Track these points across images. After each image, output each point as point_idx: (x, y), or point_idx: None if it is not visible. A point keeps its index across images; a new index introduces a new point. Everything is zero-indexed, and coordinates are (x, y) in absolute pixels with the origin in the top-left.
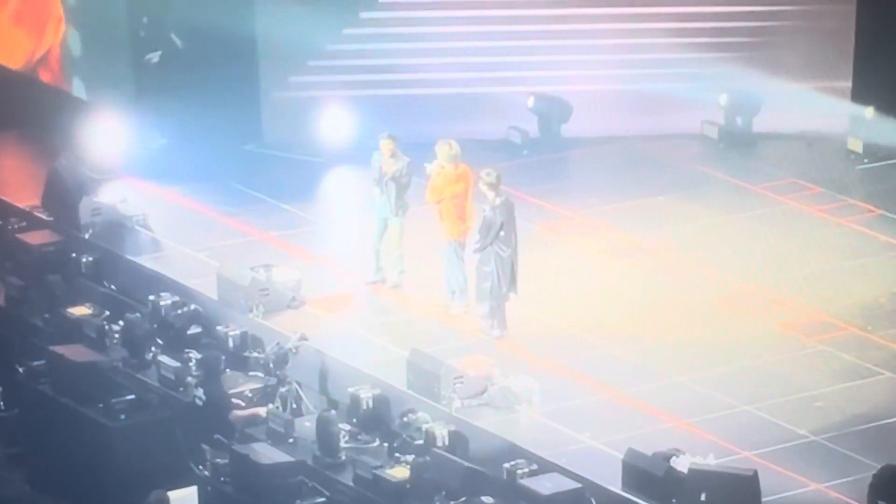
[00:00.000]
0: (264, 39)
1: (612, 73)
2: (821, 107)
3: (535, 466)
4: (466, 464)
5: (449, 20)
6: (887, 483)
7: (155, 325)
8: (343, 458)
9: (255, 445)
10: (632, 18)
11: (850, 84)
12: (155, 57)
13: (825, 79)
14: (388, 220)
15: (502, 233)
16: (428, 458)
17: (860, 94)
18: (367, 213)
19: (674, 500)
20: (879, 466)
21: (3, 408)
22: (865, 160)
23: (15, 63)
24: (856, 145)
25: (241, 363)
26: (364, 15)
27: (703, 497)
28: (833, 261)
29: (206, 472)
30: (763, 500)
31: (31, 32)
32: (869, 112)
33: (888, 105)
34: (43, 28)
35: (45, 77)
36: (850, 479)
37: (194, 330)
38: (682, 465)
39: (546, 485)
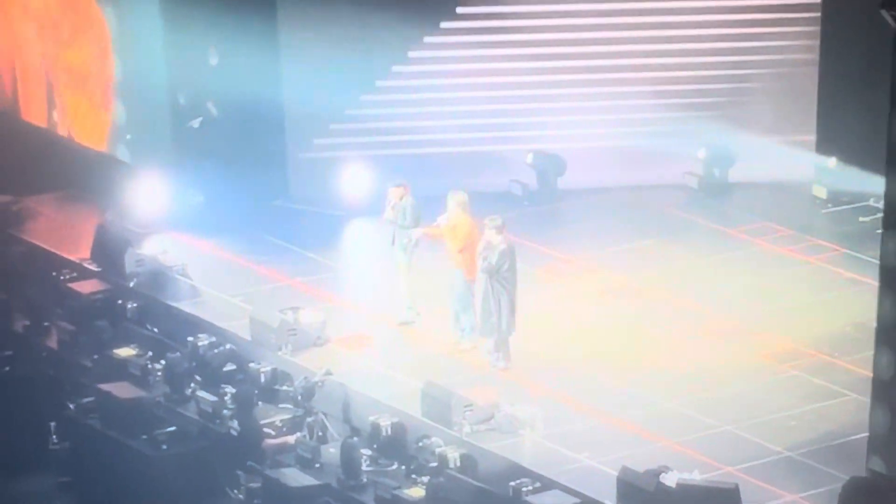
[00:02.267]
0: (291, 105)
1: (602, 131)
2: (788, 158)
3: (538, 484)
4: (476, 483)
5: (456, 87)
6: (854, 493)
7: (194, 364)
8: (365, 480)
9: (285, 470)
10: (619, 82)
11: (814, 137)
12: (196, 123)
13: (792, 133)
14: (399, 260)
15: (508, 273)
16: (442, 478)
17: (823, 146)
18: (383, 259)
19: None
20: (847, 478)
21: (55, 441)
22: (829, 205)
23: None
24: (820, 192)
25: (272, 396)
26: (380, 83)
27: None
28: (802, 295)
29: (241, 496)
30: None
31: (103, 108)
32: (832, 162)
33: (849, 156)
34: (110, 103)
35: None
36: (821, 489)
37: (229, 367)
38: (670, 480)
39: (548, 501)
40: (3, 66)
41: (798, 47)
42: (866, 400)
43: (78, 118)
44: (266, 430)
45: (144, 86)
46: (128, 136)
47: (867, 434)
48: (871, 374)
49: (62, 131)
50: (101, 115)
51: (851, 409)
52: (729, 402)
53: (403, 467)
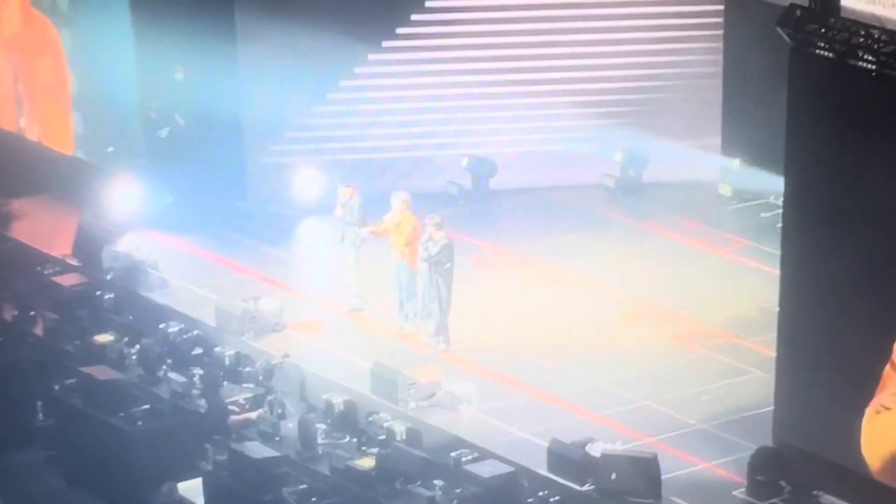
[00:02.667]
0: (249, 115)
1: (529, 137)
2: (696, 160)
3: (476, 454)
4: (421, 454)
5: (398, 98)
6: (762, 461)
7: (165, 348)
8: (320, 452)
9: (249, 444)
10: (544, 94)
11: (719, 141)
12: (164, 132)
13: (699, 137)
14: (348, 253)
15: (447, 265)
16: (389, 450)
17: (728, 148)
18: (334, 253)
19: (590, 480)
20: (755, 447)
21: (42, 418)
22: (734, 202)
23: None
24: (726, 190)
25: (235, 377)
26: (329, 95)
27: (613, 476)
28: (711, 283)
29: (209, 467)
30: (663, 477)
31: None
32: (736, 164)
33: (751, 157)
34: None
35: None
36: (732, 458)
37: (197, 351)
38: (595, 450)
39: (485, 469)
40: None
41: (703, 60)
42: (771, 377)
43: (48, 127)
44: (231, 407)
45: (117, 99)
46: (110, 149)
47: (772, 407)
48: (774, 354)
49: (32, 137)
50: (69, 123)
51: (757, 385)
52: (647, 380)
53: (355, 440)
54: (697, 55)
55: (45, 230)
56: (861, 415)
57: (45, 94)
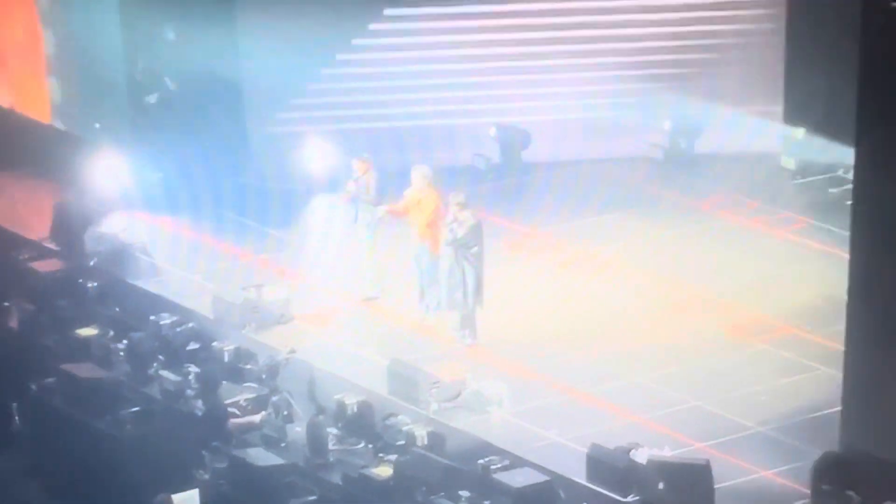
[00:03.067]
0: (250, 80)
1: (566, 103)
2: (756, 129)
3: (507, 462)
4: (444, 461)
5: (418, 59)
6: (828, 468)
7: (156, 343)
8: (331, 459)
9: (251, 450)
10: (584, 54)
11: (781, 108)
12: (152, 98)
13: (759, 103)
14: (363, 234)
15: (475, 248)
16: (409, 457)
17: (791, 116)
18: (347, 235)
19: (634, 490)
20: (821, 453)
21: (18, 423)
22: (798, 176)
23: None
24: (789, 163)
25: (236, 375)
26: (340, 56)
27: (660, 486)
28: (772, 268)
29: (207, 476)
30: (715, 486)
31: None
32: (800, 133)
33: (817, 126)
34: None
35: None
36: (794, 465)
37: (192, 346)
38: (641, 457)
39: (517, 479)
40: None
41: (763, 15)
42: (838, 374)
43: (21, 93)
44: (231, 409)
45: (98, 60)
46: (96, 125)
47: (839, 408)
48: (842, 348)
49: (3, 104)
50: (44, 88)
51: (823, 384)
52: (698, 377)
53: (370, 446)
54: (757, 9)
55: (19, 210)
56: None
57: (15, 57)
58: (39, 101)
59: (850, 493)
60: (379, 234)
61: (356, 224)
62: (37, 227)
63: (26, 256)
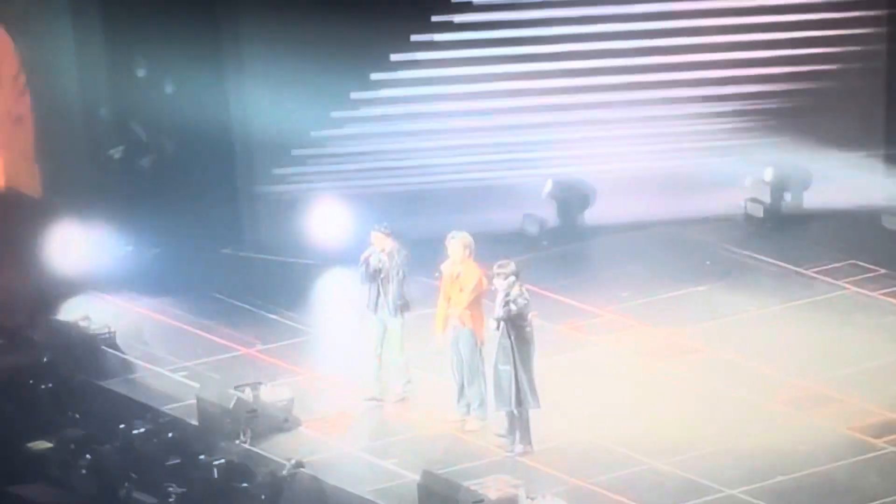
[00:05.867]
0: (241, 127)
1: (638, 150)
2: (879, 179)
3: None
4: None
5: (450, 96)
6: None
7: (128, 458)
8: None
9: None
10: (656, 86)
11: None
12: (117, 151)
13: (883, 146)
14: (387, 323)
15: (528, 330)
16: None
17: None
18: (365, 319)
19: None
20: None
21: None
22: None
23: None
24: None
25: (229, 496)
26: (355, 95)
27: None
28: None
29: None
30: None
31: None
32: None
33: None
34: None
35: None
36: None
37: (173, 461)
38: None
39: None
40: None
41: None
42: None
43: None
44: None
45: (55, 107)
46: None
47: None
48: None
49: None
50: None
51: None
52: (811, 488)
53: None
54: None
55: None
56: None
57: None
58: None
59: None
60: (402, 323)
61: (376, 313)
62: None
63: None
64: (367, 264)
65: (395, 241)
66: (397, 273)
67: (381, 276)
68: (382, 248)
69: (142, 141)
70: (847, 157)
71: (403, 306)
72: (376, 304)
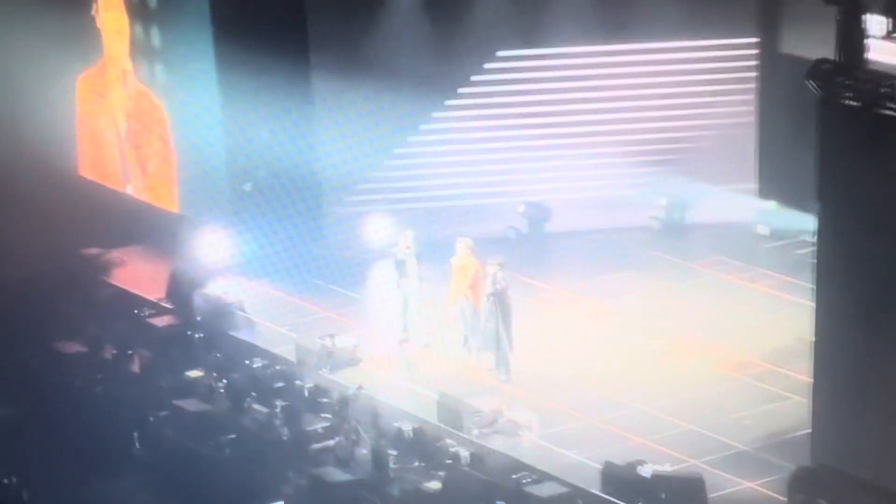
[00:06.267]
0: (326, 170)
1: (580, 184)
2: (735, 202)
3: (535, 477)
4: (484, 477)
5: (461, 151)
6: (801, 481)
7: (250, 383)
8: (392, 476)
9: (326, 469)
10: (595, 145)
11: (755, 185)
12: (248, 186)
13: (737, 182)
14: (410, 294)
15: (508, 301)
16: (455, 473)
17: (764, 191)
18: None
19: (641, 499)
20: (795, 468)
21: (138, 447)
22: (771, 241)
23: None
24: (763, 230)
25: (314, 408)
26: (398, 150)
27: (662, 496)
28: (751, 316)
29: (291, 491)
30: (709, 496)
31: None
32: (772, 205)
33: (785, 199)
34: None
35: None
36: (773, 478)
37: (279, 384)
38: (646, 472)
39: (544, 490)
40: (90, 145)
41: (739, 112)
42: (808, 402)
43: (155, 189)
44: (310, 435)
45: (206, 158)
46: (247, 187)
47: (810, 430)
48: (811, 380)
49: (138, 195)
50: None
51: (796, 410)
52: (693, 406)
53: (423, 464)
54: (734, 107)
55: (142, 277)
56: (892, 435)
57: (153, 163)
58: (166, 194)
59: (821, 501)
60: (420, 294)
61: (399, 287)
62: (156, 291)
63: (147, 314)
64: (395, 256)
65: (410, 241)
66: (415, 261)
67: (405, 264)
68: (405, 246)
69: (262, 180)
70: (726, 187)
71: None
72: (398, 282)
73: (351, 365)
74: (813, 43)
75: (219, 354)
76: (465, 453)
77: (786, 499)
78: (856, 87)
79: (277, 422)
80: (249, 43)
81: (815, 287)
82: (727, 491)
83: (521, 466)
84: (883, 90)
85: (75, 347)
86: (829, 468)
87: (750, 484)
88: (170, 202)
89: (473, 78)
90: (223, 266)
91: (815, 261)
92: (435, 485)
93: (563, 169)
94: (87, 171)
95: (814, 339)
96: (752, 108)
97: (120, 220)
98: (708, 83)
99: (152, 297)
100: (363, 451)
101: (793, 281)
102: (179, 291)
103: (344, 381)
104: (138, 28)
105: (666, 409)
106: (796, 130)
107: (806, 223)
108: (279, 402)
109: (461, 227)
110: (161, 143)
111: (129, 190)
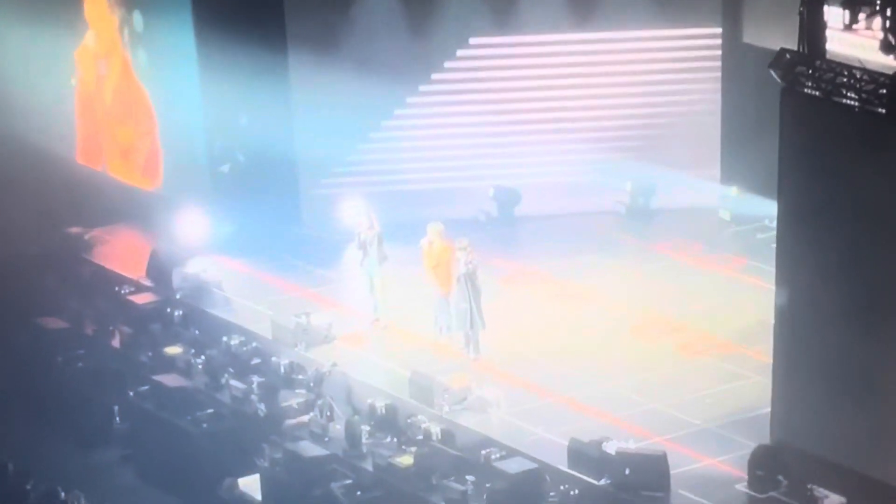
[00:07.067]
0: (302, 153)
1: (548, 169)
2: (698, 188)
3: (503, 452)
4: (454, 452)
5: (433, 136)
6: (762, 457)
7: (227, 359)
8: (365, 450)
9: (301, 443)
10: (563, 131)
11: (718, 172)
12: (226, 168)
13: (701, 168)
14: (374, 273)
15: (477, 281)
16: (426, 448)
17: (726, 178)
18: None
19: (606, 475)
20: (755, 445)
21: (118, 421)
22: (733, 225)
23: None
24: (725, 215)
25: (289, 384)
26: (372, 134)
27: (627, 472)
28: (714, 297)
29: (266, 464)
30: (671, 472)
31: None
32: (734, 191)
33: (747, 186)
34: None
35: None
36: (734, 455)
37: (255, 361)
38: (610, 448)
39: (512, 465)
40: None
41: (703, 100)
42: (768, 381)
43: (137, 167)
44: (285, 411)
45: (187, 141)
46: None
47: (770, 409)
48: (770, 360)
49: (119, 175)
50: (148, 164)
51: (756, 389)
52: (656, 385)
53: (395, 440)
54: (698, 95)
55: (122, 255)
56: (849, 414)
57: (133, 143)
58: (147, 175)
59: (780, 477)
60: (381, 274)
61: (362, 266)
62: (135, 269)
63: (127, 291)
64: (359, 237)
65: (375, 222)
66: (377, 242)
67: (367, 244)
68: (367, 227)
69: (241, 162)
70: (690, 173)
71: (382, 260)
72: (362, 262)
73: (325, 342)
74: (776, 34)
75: (197, 331)
76: (435, 429)
77: (746, 475)
78: (816, 77)
79: (254, 397)
80: (229, 29)
81: (775, 270)
82: (690, 467)
83: (489, 442)
84: (843, 80)
85: (58, 323)
86: (787, 446)
87: (711, 460)
88: (150, 182)
89: (447, 64)
90: (202, 245)
91: (776, 245)
92: (406, 459)
93: (532, 154)
94: (67, 152)
95: (774, 320)
96: (716, 96)
97: (101, 199)
98: (674, 71)
99: (132, 275)
100: (337, 427)
101: (754, 264)
102: (159, 270)
103: (319, 358)
104: (120, 12)
105: (630, 388)
106: (759, 118)
107: (767, 209)
108: (255, 378)
109: (433, 210)
110: (142, 124)
111: (108, 169)
